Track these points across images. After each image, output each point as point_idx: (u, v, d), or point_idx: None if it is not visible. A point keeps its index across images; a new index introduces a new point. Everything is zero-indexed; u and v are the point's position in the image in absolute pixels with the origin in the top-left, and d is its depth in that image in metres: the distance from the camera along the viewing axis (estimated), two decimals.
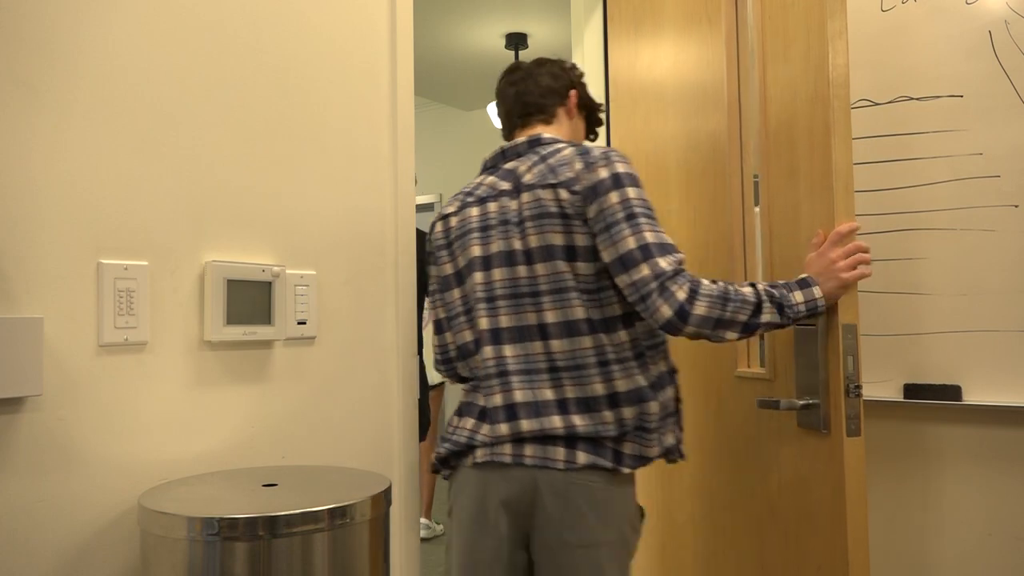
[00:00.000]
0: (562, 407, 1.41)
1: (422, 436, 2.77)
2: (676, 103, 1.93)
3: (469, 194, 1.56)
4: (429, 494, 4.23)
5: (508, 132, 1.63)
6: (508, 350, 1.45)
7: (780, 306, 1.38)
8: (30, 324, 0.95)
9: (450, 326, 1.55)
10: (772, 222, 1.60)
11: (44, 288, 0.99)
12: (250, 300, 1.20)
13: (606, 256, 1.39)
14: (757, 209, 1.71)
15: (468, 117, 6.78)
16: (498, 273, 1.47)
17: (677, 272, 1.35)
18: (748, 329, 1.36)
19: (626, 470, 1.40)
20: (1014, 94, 1.71)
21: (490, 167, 1.57)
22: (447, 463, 1.51)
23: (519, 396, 1.42)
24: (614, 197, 1.38)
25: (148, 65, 1.11)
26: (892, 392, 1.83)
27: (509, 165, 1.53)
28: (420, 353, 2.22)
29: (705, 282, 1.35)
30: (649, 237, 1.36)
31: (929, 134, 1.80)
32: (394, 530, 1.43)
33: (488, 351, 1.47)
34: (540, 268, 1.44)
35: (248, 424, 1.21)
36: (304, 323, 1.28)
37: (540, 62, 1.63)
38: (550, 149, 1.49)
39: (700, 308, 1.33)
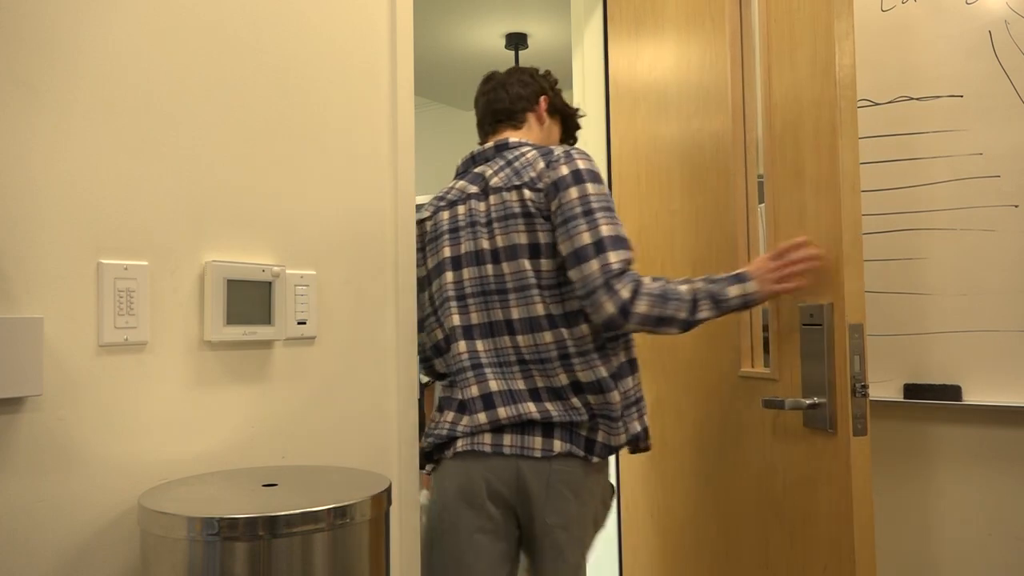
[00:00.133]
0: (535, 396, 1.49)
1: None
2: (678, 103, 1.93)
3: (441, 198, 1.65)
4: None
5: (482, 138, 1.71)
6: (480, 344, 1.53)
7: (716, 301, 1.45)
8: (30, 324, 0.95)
9: (423, 326, 1.66)
10: (777, 222, 1.60)
11: (44, 288, 0.99)
12: (250, 300, 1.20)
13: (563, 249, 1.45)
14: (760, 208, 1.71)
15: (468, 117, 6.78)
16: (467, 272, 1.56)
17: (623, 271, 1.41)
18: (687, 325, 1.44)
19: (596, 459, 1.48)
20: (1014, 94, 1.71)
21: (461, 172, 1.65)
22: (430, 457, 1.61)
23: (494, 386, 1.51)
24: (574, 192, 1.45)
25: (148, 65, 1.11)
26: (892, 392, 1.83)
27: (478, 169, 1.61)
28: None
29: (647, 280, 1.42)
30: (604, 231, 1.42)
31: (929, 134, 1.80)
32: (394, 530, 1.43)
33: (461, 346, 1.55)
34: (506, 267, 1.51)
35: (248, 424, 1.21)
36: (304, 323, 1.29)
37: (512, 71, 1.71)
38: (516, 153, 1.57)
39: (642, 307, 1.40)
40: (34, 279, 0.98)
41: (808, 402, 1.44)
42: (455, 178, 1.66)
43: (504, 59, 5.47)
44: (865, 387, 1.38)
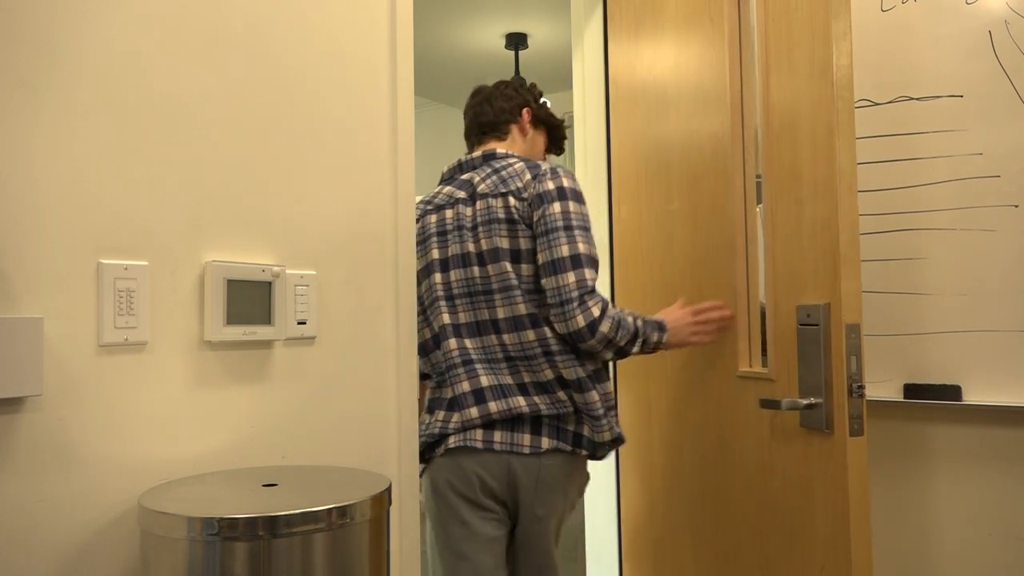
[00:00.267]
0: (523, 390, 1.59)
1: None
2: (677, 103, 1.93)
3: (428, 203, 1.74)
4: None
5: (469, 148, 1.82)
6: (468, 343, 1.62)
7: (644, 341, 1.59)
8: (30, 324, 0.95)
9: None
10: (775, 222, 1.60)
11: (44, 288, 0.99)
12: (250, 300, 1.20)
13: (541, 258, 1.55)
14: (759, 209, 1.71)
15: None
16: (454, 274, 1.65)
17: (594, 290, 1.54)
18: (623, 354, 1.58)
19: (584, 452, 1.60)
20: (1014, 94, 1.71)
21: (447, 178, 1.75)
22: (422, 457, 1.67)
23: (485, 381, 1.59)
24: (557, 207, 1.55)
25: (149, 65, 1.11)
26: (892, 392, 1.83)
27: (465, 176, 1.70)
28: None
29: (611, 305, 1.55)
30: (581, 248, 1.54)
31: (929, 134, 1.80)
32: (394, 530, 1.43)
33: (452, 343, 1.63)
34: (491, 269, 1.60)
35: (248, 424, 1.21)
36: (304, 323, 1.29)
37: (498, 84, 1.82)
38: (503, 163, 1.66)
39: (605, 327, 1.52)
40: (34, 279, 0.98)
41: (805, 402, 1.44)
42: (441, 183, 1.75)
43: (504, 59, 5.47)
44: (862, 387, 1.38)
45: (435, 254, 1.68)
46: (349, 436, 1.36)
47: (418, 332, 1.67)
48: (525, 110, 1.79)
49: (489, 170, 1.66)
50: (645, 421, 2.06)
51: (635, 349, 1.59)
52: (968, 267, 1.75)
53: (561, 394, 1.58)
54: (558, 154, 1.91)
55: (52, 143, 1.00)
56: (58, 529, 0.99)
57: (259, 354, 1.23)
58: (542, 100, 1.85)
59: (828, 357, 1.42)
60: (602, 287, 2.31)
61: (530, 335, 1.58)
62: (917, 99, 1.82)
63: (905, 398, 1.81)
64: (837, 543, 1.39)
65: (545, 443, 1.57)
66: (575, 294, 1.51)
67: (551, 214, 1.55)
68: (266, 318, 1.22)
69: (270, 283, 1.23)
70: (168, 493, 0.98)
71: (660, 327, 1.63)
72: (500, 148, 1.73)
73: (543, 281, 1.55)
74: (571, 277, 1.51)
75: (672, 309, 1.71)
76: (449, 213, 1.67)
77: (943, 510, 1.81)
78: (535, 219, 1.56)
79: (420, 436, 1.61)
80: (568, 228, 1.54)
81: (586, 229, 1.57)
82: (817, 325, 1.43)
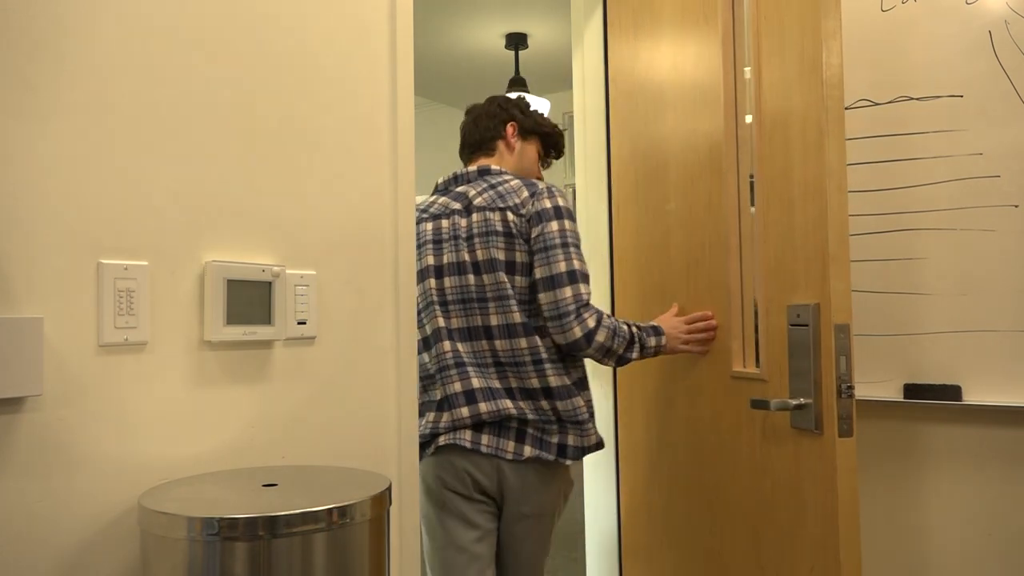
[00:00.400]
0: (510, 394, 1.68)
1: None
2: (674, 103, 1.93)
3: (424, 211, 1.82)
4: None
5: (463, 163, 1.92)
6: (461, 346, 1.70)
7: (642, 346, 1.70)
8: (30, 324, 0.95)
9: None
10: (767, 222, 1.59)
11: (44, 288, 0.99)
12: (250, 300, 1.20)
13: (538, 272, 1.65)
14: (753, 210, 1.71)
15: None
16: (448, 281, 1.73)
17: (589, 303, 1.64)
18: (623, 360, 1.69)
19: (568, 462, 1.69)
20: (1014, 94, 1.71)
21: (442, 189, 1.84)
22: None
23: (476, 383, 1.68)
24: (554, 225, 1.65)
25: (149, 65, 1.11)
26: (892, 392, 1.83)
27: (460, 188, 1.79)
28: None
29: (606, 315, 1.65)
30: (577, 265, 1.64)
31: (929, 134, 1.80)
32: (394, 530, 1.43)
33: (446, 345, 1.71)
34: (486, 278, 1.68)
35: (248, 424, 1.21)
36: (304, 323, 1.29)
37: (488, 102, 1.93)
38: (499, 179, 1.76)
39: (601, 336, 1.63)
40: (34, 279, 0.98)
41: (795, 403, 1.44)
42: (436, 193, 1.85)
43: (504, 59, 5.46)
44: (851, 388, 1.38)
45: (430, 260, 1.75)
46: (349, 436, 1.36)
47: None
48: (509, 125, 1.89)
49: (485, 184, 1.75)
50: (644, 421, 2.06)
51: (634, 355, 1.69)
52: (968, 267, 1.75)
53: (544, 403, 1.67)
54: (557, 158, 1.98)
55: (52, 143, 1.00)
56: (58, 529, 0.99)
57: (259, 354, 1.23)
58: (531, 109, 1.93)
59: (818, 357, 1.41)
60: (602, 287, 2.31)
61: (522, 343, 1.66)
62: (917, 99, 1.82)
63: (905, 398, 1.81)
64: (826, 544, 1.39)
65: (527, 451, 1.66)
66: (572, 307, 1.61)
67: (549, 232, 1.64)
68: (266, 318, 1.22)
69: (270, 283, 1.23)
70: (168, 493, 0.98)
71: (657, 332, 1.74)
72: (493, 165, 1.83)
73: (540, 295, 1.64)
74: (568, 292, 1.61)
75: (667, 316, 1.80)
76: (445, 223, 1.75)
77: (943, 510, 1.81)
78: (533, 235, 1.66)
79: None
80: (565, 246, 1.64)
81: (578, 247, 1.67)
82: (807, 325, 1.43)
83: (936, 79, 1.79)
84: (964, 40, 1.76)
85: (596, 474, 2.32)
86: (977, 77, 1.74)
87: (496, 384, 1.68)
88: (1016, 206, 1.70)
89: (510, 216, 1.67)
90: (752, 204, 1.70)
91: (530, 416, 1.66)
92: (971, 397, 1.74)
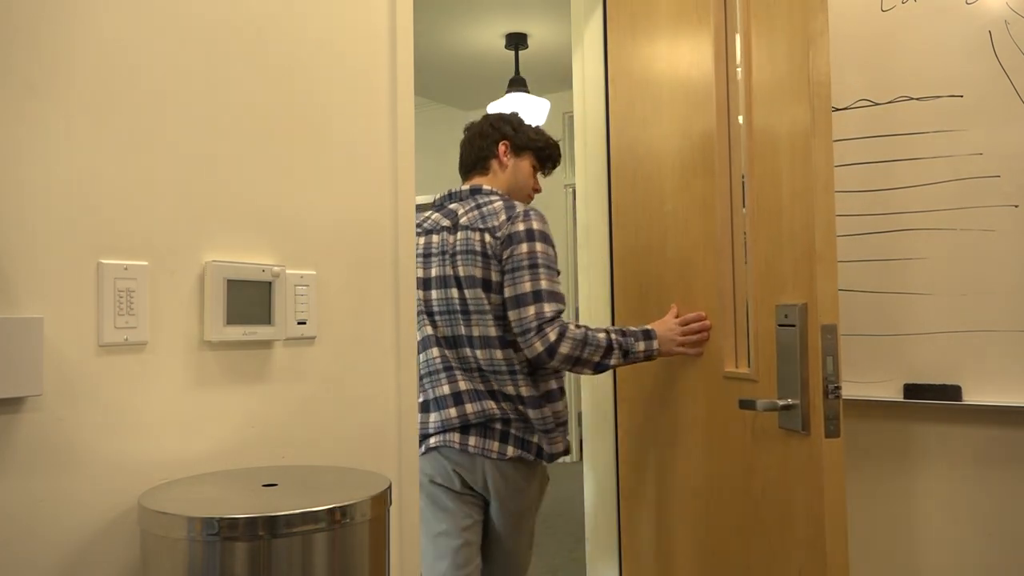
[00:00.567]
0: (493, 396, 1.81)
1: None
2: (670, 104, 1.93)
3: (418, 225, 1.92)
4: None
5: (461, 179, 2.04)
6: (448, 352, 1.84)
7: (625, 352, 1.77)
8: (30, 324, 0.95)
9: None
10: (757, 222, 1.59)
11: (44, 288, 0.99)
12: (250, 300, 1.20)
13: (507, 292, 1.75)
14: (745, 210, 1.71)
15: (468, 117, 6.77)
16: (436, 293, 1.86)
17: (554, 318, 1.72)
18: (600, 368, 1.76)
19: (544, 461, 1.85)
20: (1014, 94, 1.71)
21: (437, 205, 1.96)
22: None
23: (463, 385, 1.82)
24: (524, 248, 1.75)
25: (149, 65, 1.11)
26: (892, 392, 1.83)
27: (452, 206, 1.91)
28: None
29: (572, 327, 1.72)
30: (543, 285, 1.73)
31: (929, 134, 1.80)
32: (394, 530, 1.43)
33: (435, 351, 1.86)
34: (468, 293, 1.80)
35: (248, 424, 1.21)
36: (304, 323, 1.29)
37: (483, 120, 2.04)
38: (485, 199, 1.87)
39: (565, 348, 1.70)
40: (34, 279, 0.98)
41: (782, 403, 1.43)
42: (432, 209, 1.96)
43: (504, 59, 5.47)
44: (838, 388, 1.37)
45: (419, 272, 1.87)
46: (349, 436, 1.36)
47: None
48: (501, 144, 1.98)
49: (472, 204, 1.87)
50: (642, 421, 2.06)
51: (613, 362, 1.76)
52: (968, 267, 1.75)
53: (521, 407, 1.81)
54: (553, 168, 2.08)
55: (52, 143, 1.00)
56: (58, 529, 0.99)
57: (259, 354, 1.23)
58: (524, 125, 2.02)
59: (805, 358, 1.41)
60: (602, 287, 2.31)
61: (498, 354, 1.79)
62: (917, 99, 1.82)
63: (905, 398, 1.81)
64: (814, 546, 1.39)
65: (510, 451, 1.80)
66: (533, 324, 1.70)
67: (518, 254, 1.75)
68: (266, 318, 1.22)
69: (270, 283, 1.23)
70: (168, 493, 0.98)
71: (648, 336, 1.80)
72: (484, 184, 1.95)
73: (509, 313, 1.75)
74: (531, 310, 1.71)
75: (665, 319, 1.84)
76: (436, 238, 1.88)
77: (942, 510, 1.81)
78: (504, 256, 1.77)
79: None
80: (533, 267, 1.74)
81: (549, 267, 1.76)
82: (794, 326, 1.43)
83: (936, 79, 1.79)
84: (964, 40, 1.76)
85: (596, 474, 2.32)
86: (977, 77, 1.74)
87: (481, 387, 1.81)
88: (1016, 206, 1.70)
89: (487, 237, 1.79)
90: (744, 204, 1.70)
91: (512, 416, 1.80)
92: (971, 397, 1.74)
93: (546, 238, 1.79)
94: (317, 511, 0.90)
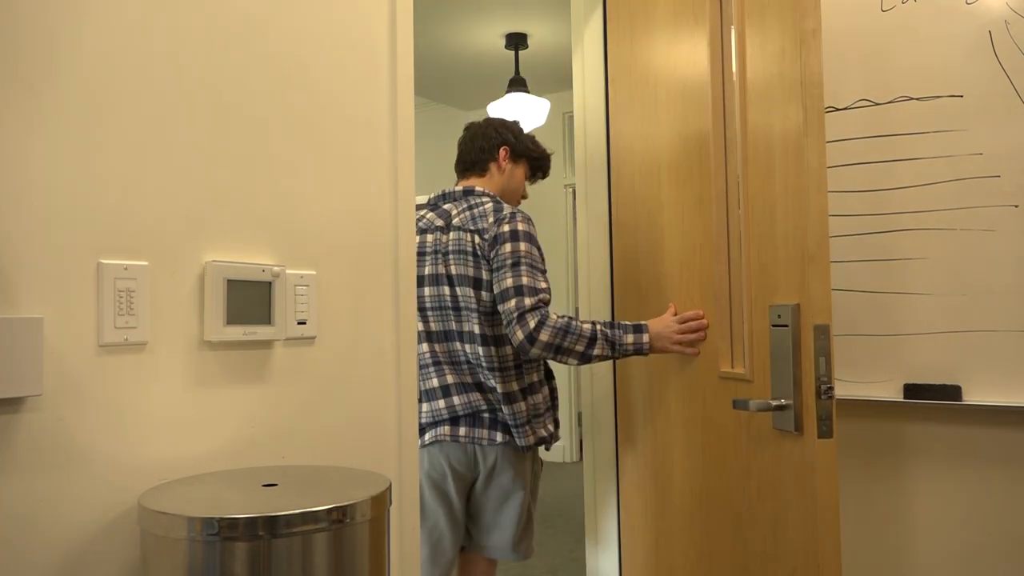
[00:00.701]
0: (479, 388, 1.94)
1: None
2: (667, 103, 1.93)
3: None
4: None
5: (457, 176, 2.14)
6: (438, 347, 1.96)
7: (612, 344, 1.83)
8: (30, 324, 0.95)
9: None
10: (751, 222, 1.59)
11: (44, 288, 0.99)
12: (250, 300, 1.20)
13: (495, 288, 1.87)
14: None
15: (468, 117, 6.78)
16: (428, 290, 1.96)
17: (535, 307, 1.81)
18: (584, 358, 1.83)
19: (525, 451, 1.95)
20: (1014, 94, 1.71)
21: (432, 205, 2.05)
22: None
23: (451, 378, 1.95)
24: (508, 247, 1.86)
25: (148, 65, 1.11)
26: (892, 392, 1.83)
27: (446, 206, 2.01)
28: None
29: (554, 316, 1.82)
30: (524, 280, 1.83)
31: (929, 134, 1.80)
32: (394, 530, 1.43)
33: (425, 347, 1.97)
34: (458, 290, 1.92)
35: (248, 424, 1.21)
36: (304, 323, 1.29)
37: (485, 123, 2.14)
38: (477, 201, 1.98)
39: (545, 336, 1.79)
40: (34, 279, 0.98)
41: (775, 403, 1.43)
42: (426, 208, 2.05)
43: (504, 59, 5.47)
44: (831, 389, 1.36)
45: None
46: (349, 436, 1.36)
47: None
48: (503, 149, 2.09)
49: (465, 205, 1.98)
50: (641, 421, 2.06)
51: (597, 352, 1.82)
52: (968, 267, 1.75)
53: (501, 399, 1.91)
54: (543, 178, 2.20)
55: (52, 143, 1.00)
56: (58, 529, 0.99)
57: (259, 354, 1.23)
58: (524, 134, 2.14)
59: (797, 358, 1.40)
60: (602, 286, 2.31)
61: (480, 350, 1.90)
62: (917, 99, 1.82)
63: (905, 398, 1.81)
64: (808, 547, 1.38)
65: (499, 438, 1.92)
66: (515, 315, 1.81)
67: (503, 253, 1.86)
68: (266, 318, 1.22)
69: (270, 283, 1.23)
70: (168, 493, 0.98)
71: (638, 330, 1.84)
72: (479, 185, 2.06)
73: (498, 307, 1.85)
74: (512, 303, 1.81)
75: (663, 317, 1.86)
76: (430, 238, 1.98)
77: (942, 510, 1.81)
78: (492, 256, 1.88)
79: None
80: (515, 264, 1.85)
81: (532, 265, 1.86)
82: (787, 326, 1.42)
83: (936, 79, 1.79)
84: (964, 40, 1.76)
85: (596, 474, 2.32)
86: (977, 77, 1.74)
87: (468, 379, 1.93)
88: (1016, 206, 1.70)
89: (476, 239, 1.90)
90: (740, 204, 1.70)
91: (497, 407, 1.92)
92: (971, 397, 1.74)
93: (530, 238, 1.90)
94: (317, 511, 0.90)
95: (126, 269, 1.06)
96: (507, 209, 1.93)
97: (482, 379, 1.92)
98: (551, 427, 2.00)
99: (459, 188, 2.04)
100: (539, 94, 6.32)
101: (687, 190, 1.83)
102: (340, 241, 1.36)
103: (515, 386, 1.91)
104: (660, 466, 1.99)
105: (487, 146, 2.09)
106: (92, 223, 1.04)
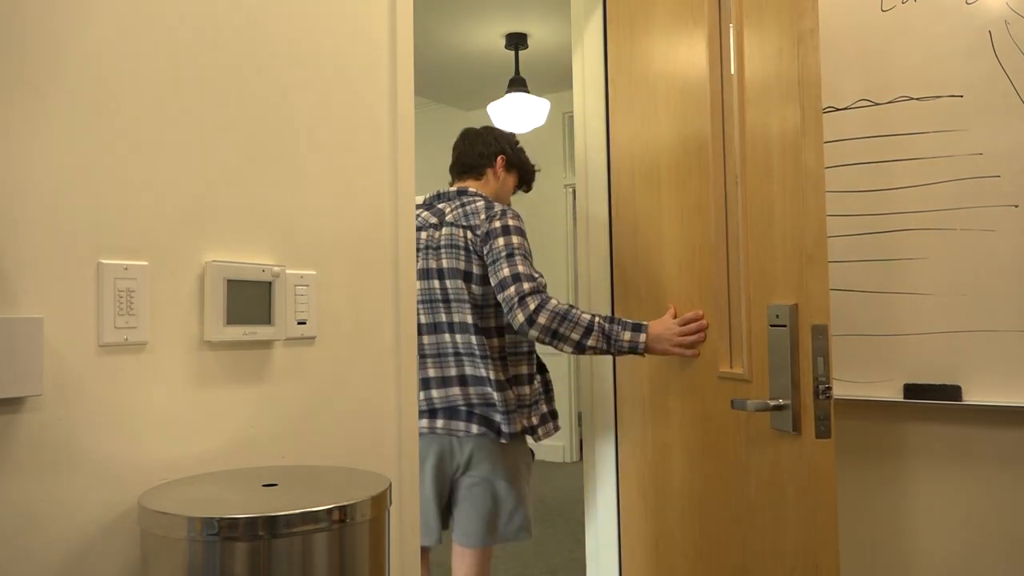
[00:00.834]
0: (462, 381, 2.01)
1: None
2: (666, 103, 1.93)
3: None
4: None
5: (452, 178, 2.25)
6: (425, 339, 2.04)
7: (608, 338, 1.88)
8: (30, 324, 0.95)
9: None
10: (749, 222, 1.59)
11: (44, 288, 0.99)
12: (250, 300, 1.20)
13: (492, 280, 1.95)
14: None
15: (468, 117, 6.78)
16: (420, 284, 2.03)
17: (534, 291, 1.89)
18: (578, 347, 1.88)
19: (504, 440, 2.00)
20: (1014, 94, 1.71)
21: (427, 204, 2.14)
22: None
23: (432, 372, 2.03)
24: (500, 241, 1.96)
25: (149, 66, 1.11)
26: (892, 392, 1.83)
27: (440, 205, 2.11)
28: None
29: (554, 301, 1.89)
30: (519, 269, 1.92)
31: (929, 134, 1.80)
32: (394, 530, 1.43)
33: None
34: (449, 283, 2.00)
35: (248, 424, 1.21)
36: (304, 323, 1.29)
37: (484, 131, 2.24)
38: (469, 199, 2.08)
39: (543, 319, 1.86)
40: (34, 279, 0.98)
41: (773, 403, 1.42)
42: (422, 207, 2.13)
43: (504, 59, 5.47)
44: (828, 389, 1.36)
45: None
46: (349, 436, 1.36)
47: None
48: (500, 157, 2.20)
49: (458, 203, 2.07)
50: (641, 421, 2.06)
51: (591, 342, 1.86)
52: (968, 267, 1.75)
53: (487, 389, 1.98)
54: (527, 191, 2.34)
55: (52, 143, 1.00)
56: (58, 529, 0.99)
57: (259, 354, 1.23)
58: (518, 147, 2.26)
59: (796, 358, 1.40)
60: (602, 287, 2.31)
61: (472, 340, 1.98)
62: (917, 99, 1.82)
63: (905, 398, 1.81)
64: (806, 548, 1.38)
65: (474, 429, 1.99)
66: (515, 300, 1.88)
67: (496, 247, 1.96)
68: (266, 318, 1.22)
69: (270, 283, 1.23)
70: (168, 493, 0.98)
71: (637, 328, 1.88)
72: (472, 187, 2.15)
73: (498, 297, 1.93)
74: (512, 289, 1.89)
75: (663, 319, 1.88)
76: (424, 235, 2.07)
77: (942, 510, 1.81)
78: (485, 251, 1.97)
79: None
80: (509, 256, 1.93)
81: (524, 256, 1.95)
82: (785, 326, 1.42)
83: (936, 79, 1.79)
84: (964, 40, 1.76)
85: (596, 473, 2.32)
86: (977, 77, 1.74)
87: (452, 373, 2.01)
88: (1016, 206, 1.70)
89: (468, 235, 1.99)
90: (738, 205, 1.70)
91: (475, 401, 1.99)
92: (971, 397, 1.74)
93: (521, 232, 2.00)
94: (317, 511, 0.90)
95: (126, 269, 1.06)
96: (498, 206, 2.03)
97: (469, 370, 1.99)
98: (535, 419, 2.06)
99: (453, 189, 2.13)
100: (539, 94, 6.32)
101: (686, 190, 1.84)
102: (340, 241, 1.36)
103: (502, 375, 1.99)
104: (660, 466, 1.99)
105: (486, 152, 2.19)
106: (92, 223, 1.04)
